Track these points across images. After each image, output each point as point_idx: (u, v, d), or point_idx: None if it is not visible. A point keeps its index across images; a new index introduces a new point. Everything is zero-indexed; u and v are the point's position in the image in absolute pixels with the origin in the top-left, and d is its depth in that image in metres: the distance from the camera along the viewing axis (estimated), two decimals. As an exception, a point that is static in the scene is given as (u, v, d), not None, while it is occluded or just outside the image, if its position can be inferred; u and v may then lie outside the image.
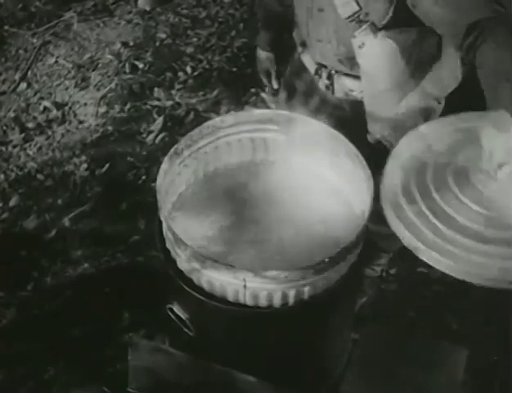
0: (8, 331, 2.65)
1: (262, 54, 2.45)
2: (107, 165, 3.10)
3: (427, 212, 1.81)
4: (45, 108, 3.35)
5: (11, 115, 3.30)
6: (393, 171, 1.89)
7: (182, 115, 3.34)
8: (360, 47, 2.03)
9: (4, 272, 2.76)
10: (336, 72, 2.19)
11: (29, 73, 3.48)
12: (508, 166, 1.75)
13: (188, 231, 2.02)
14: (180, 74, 3.52)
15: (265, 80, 2.48)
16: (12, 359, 2.59)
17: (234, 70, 3.49)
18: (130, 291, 2.67)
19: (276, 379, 2.16)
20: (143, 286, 2.55)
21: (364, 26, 1.99)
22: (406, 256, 2.64)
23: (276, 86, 2.46)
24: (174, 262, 2.00)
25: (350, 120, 2.24)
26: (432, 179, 1.87)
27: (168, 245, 2.00)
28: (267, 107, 2.98)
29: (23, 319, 2.67)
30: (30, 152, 3.18)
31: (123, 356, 2.55)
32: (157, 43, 3.69)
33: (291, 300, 1.94)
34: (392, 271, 2.73)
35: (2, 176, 3.10)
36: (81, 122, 3.30)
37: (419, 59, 2.07)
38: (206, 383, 2.42)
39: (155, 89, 3.42)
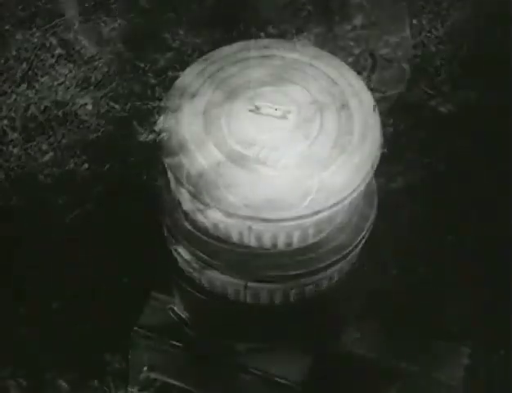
0: (8, 332, 2.66)
1: None
2: (108, 165, 3.10)
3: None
4: (46, 108, 3.35)
5: (12, 114, 3.30)
6: None
7: (187, 54, 3.37)
8: None
9: (4, 272, 2.76)
10: None
11: (30, 72, 3.48)
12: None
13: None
14: (181, 73, 3.51)
15: None
16: (13, 360, 2.60)
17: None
18: (131, 290, 2.68)
19: (276, 377, 2.19)
20: (144, 285, 2.55)
21: None
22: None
23: None
24: (175, 261, 2.00)
25: None
26: None
27: (171, 185, 2.01)
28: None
29: (23, 320, 2.68)
30: (31, 152, 3.18)
31: (123, 356, 2.57)
32: (158, 42, 3.68)
33: (292, 299, 1.95)
34: (395, 271, 2.74)
35: (3, 175, 3.10)
36: (82, 122, 3.30)
37: None
38: (206, 382, 2.43)
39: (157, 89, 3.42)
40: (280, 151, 1.92)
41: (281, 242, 1.97)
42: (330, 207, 1.89)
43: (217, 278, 1.92)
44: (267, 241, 1.96)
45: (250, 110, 1.97)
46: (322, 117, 1.97)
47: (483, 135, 3.11)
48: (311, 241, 1.99)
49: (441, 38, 3.44)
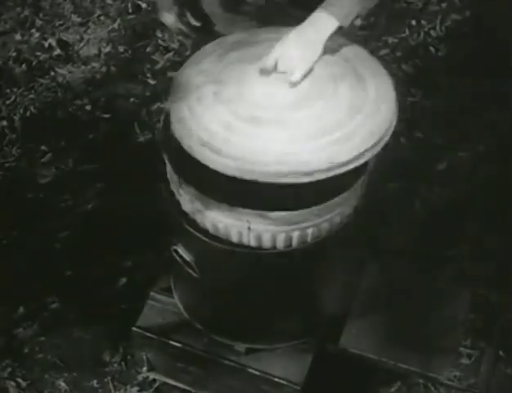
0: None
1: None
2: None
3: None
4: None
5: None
6: None
7: (186, 55, 3.39)
8: None
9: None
10: None
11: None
12: None
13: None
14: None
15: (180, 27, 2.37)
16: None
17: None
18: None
19: (277, 324, 2.25)
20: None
21: None
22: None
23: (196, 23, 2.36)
24: (178, 204, 2.00)
25: None
26: None
27: (172, 187, 2.01)
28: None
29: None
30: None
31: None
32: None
33: (295, 242, 1.97)
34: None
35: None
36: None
37: None
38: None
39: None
40: (293, 112, 1.89)
41: (281, 242, 1.97)
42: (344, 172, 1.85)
43: (220, 221, 1.93)
44: (266, 242, 1.96)
45: (263, 74, 1.95)
46: (336, 84, 1.94)
47: (483, 136, 3.12)
48: (311, 241, 2.00)
49: (441, 39, 3.45)
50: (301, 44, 1.93)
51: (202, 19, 2.32)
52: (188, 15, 2.30)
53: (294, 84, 1.93)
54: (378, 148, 1.89)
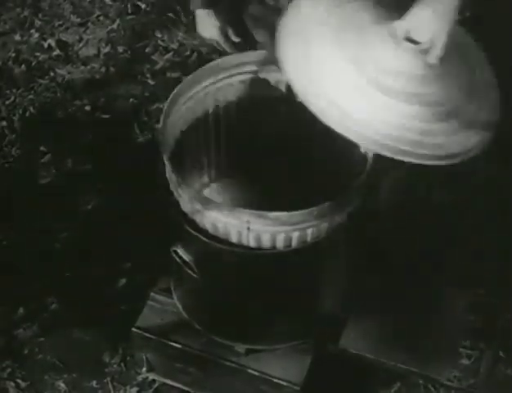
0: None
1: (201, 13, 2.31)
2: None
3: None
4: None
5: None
6: None
7: (185, 56, 3.38)
8: None
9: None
10: None
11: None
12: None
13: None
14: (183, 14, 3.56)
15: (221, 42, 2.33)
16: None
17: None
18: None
19: (277, 325, 2.25)
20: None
21: None
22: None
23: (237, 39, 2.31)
24: (178, 204, 2.01)
25: None
26: None
27: (171, 187, 2.01)
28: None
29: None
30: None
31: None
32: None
33: (294, 243, 1.97)
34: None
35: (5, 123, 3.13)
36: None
37: None
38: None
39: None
40: (420, 87, 1.80)
41: (280, 243, 1.97)
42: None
43: (219, 221, 1.93)
44: (266, 242, 1.96)
45: (392, 39, 1.81)
46: (457, 64, 1.88)
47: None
48: (310, 242, 2.00)
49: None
50: (436, 16, 1.78)
51: (243, 35, 2.30)
52: (230, 31, 2.29)
53: (433, 64, 1.80)
54: (492, 134, 1.87)
